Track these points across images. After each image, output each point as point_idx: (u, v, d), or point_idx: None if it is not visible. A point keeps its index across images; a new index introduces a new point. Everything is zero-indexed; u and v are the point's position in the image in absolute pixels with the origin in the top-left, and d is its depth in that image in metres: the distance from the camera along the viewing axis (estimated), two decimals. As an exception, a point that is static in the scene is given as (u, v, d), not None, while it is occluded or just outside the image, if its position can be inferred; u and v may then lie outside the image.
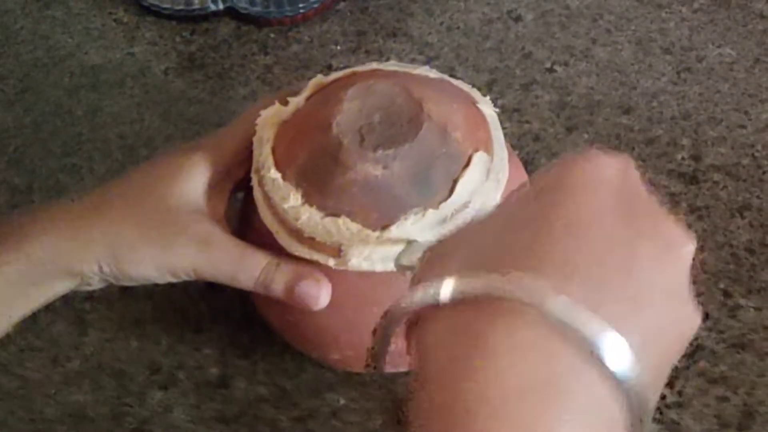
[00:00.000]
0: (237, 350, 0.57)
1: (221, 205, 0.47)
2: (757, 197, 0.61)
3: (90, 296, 0.59)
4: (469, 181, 0.43)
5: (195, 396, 0.55)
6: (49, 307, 0.59)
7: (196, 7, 0.76)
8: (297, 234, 0.43)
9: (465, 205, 0.43)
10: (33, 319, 0.58)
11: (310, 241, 0.43)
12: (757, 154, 0.63)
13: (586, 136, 0.66)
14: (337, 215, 0.42)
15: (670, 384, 0.53)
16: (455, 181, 0.43)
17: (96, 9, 0.78)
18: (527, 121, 0.67)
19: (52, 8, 0.79)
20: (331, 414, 0.54)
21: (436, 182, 0.43)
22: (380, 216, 0.42)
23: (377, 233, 0.42)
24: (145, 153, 0.67)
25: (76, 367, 0.57)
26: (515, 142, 0.65)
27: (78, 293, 0.59)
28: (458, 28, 0.74)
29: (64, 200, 0.46)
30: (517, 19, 0.74)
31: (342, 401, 0.54)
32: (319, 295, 0.44)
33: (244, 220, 0.49)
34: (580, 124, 0.67)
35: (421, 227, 0.42)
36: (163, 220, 0.44)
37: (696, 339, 0.55)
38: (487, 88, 0.68)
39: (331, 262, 0.43)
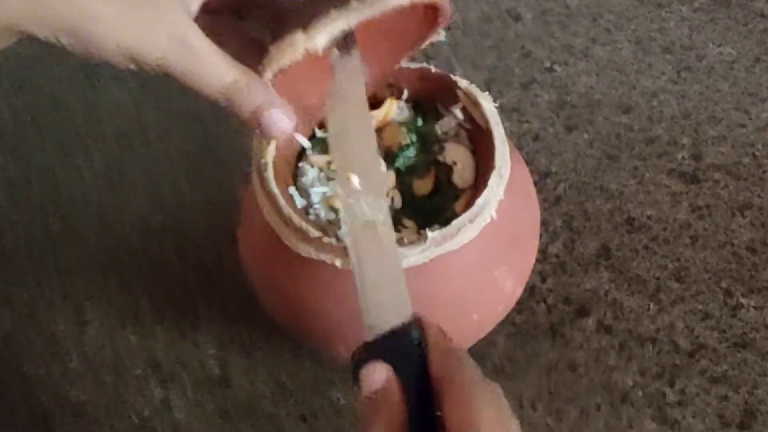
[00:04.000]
0: (237, 347, 0.57)
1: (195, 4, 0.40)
2: (758, 196, 0.61)
3: (90, 294, 0.59)
4: None
5: (195, 392, 0.55)
6: (49, 304, 0.59)
7: None
8: (303, 234, 0.43)
9: None
10: (33, 315, 0.58)
11: (317, 242, 0.43)
12: (757, 153, 0.64)
13: (586, 135, 0.66)
14: None
15: (671, 382, 0.53)
16: None
17: (93, 3, 0.78)
18: (527, 121, 0.67)
19: (48, 2, 0.78)
20: (330, 409, 0.54)
21: None
22: None
23: None
24: (143, 149, 0.67)
25: (76, 364, 0.56)
26: (515, 142, 0.65)
27: (78, 291, 0.59)
28: (457, 26, 0.74)
29: None
30: (517, 17, 0.74)
31: (341, 397, 0.54)
32: (288, 128, 0.40)
33: (247, 218, 0.49)
34: (579, 123, 0.67)
35: None
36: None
37: (698, 338, 0.55)
38: (486, 87, 0.68)
39: (338, 263, 0.43)
